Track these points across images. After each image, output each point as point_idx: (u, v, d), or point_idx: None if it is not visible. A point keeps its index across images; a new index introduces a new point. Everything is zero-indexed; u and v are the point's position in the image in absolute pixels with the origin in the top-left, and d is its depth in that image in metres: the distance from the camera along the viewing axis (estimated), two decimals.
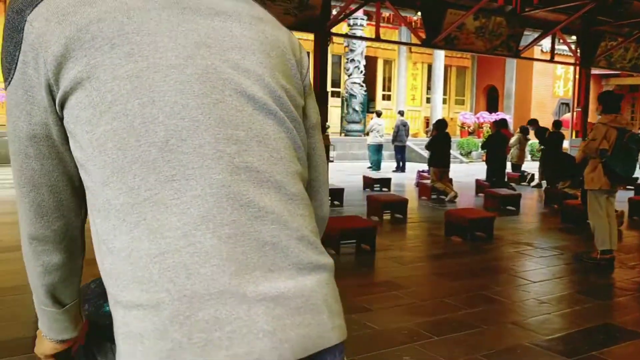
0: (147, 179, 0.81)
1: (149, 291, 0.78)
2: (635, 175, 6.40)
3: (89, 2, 0.85)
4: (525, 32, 12.39)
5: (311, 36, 9.34)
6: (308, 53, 1.39)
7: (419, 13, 10.77)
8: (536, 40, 12.88)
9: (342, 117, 19.92)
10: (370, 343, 3.49)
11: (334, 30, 9.79)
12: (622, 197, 8.28)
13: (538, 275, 5.34)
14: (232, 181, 0.84)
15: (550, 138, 11.78)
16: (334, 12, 9.93)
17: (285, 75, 0.97)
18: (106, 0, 0.85)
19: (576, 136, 12.50)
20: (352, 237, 5.94)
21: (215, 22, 0.92)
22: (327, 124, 11.79)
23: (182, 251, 0.79)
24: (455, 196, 10.16)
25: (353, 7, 10.03)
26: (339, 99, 20.78)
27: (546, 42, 18.84)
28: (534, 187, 12.92)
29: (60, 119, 0.87)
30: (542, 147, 12.26)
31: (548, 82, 25.45)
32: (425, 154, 11.91)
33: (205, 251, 0.80)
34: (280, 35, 1.01)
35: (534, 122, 13.31)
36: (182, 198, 0.81)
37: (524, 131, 13.57)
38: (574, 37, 13.50)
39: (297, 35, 17.86)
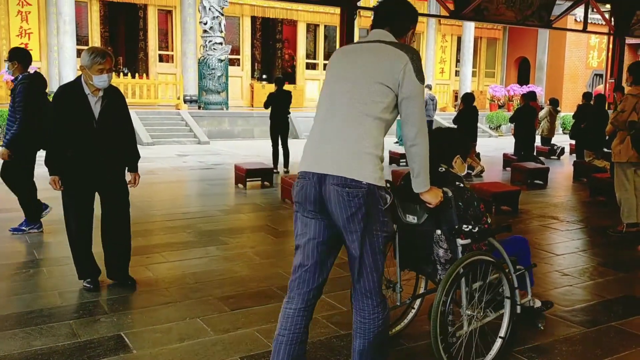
0: None
1: None
2: None
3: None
4: (558, 1, 12.07)
5: (338, 10, 9.29)
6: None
7: None
8: (569, 10, 12.56)
9: None
10: None
11: (361, 3, 9.70)
12: None
13: (562, 248, 5.34)
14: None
15: (580, 111, 11.54)
16: None
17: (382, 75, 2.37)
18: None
19: (608, 108, 12.23)
20: None
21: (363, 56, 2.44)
22: None
23: None
24: (482, 170, 10.11)
25: None
26: None
27: (579, 11, 18.33)
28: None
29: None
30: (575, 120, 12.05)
31: (581, 52, 24.77)
32: None
33: None
34: (386, 59, 2.39)
35: (553, 102, 13.16)
36: None
37: (553, 103, 13.32)
38: (608, 6, 13.12)
39: (323, 9, 17.68)
